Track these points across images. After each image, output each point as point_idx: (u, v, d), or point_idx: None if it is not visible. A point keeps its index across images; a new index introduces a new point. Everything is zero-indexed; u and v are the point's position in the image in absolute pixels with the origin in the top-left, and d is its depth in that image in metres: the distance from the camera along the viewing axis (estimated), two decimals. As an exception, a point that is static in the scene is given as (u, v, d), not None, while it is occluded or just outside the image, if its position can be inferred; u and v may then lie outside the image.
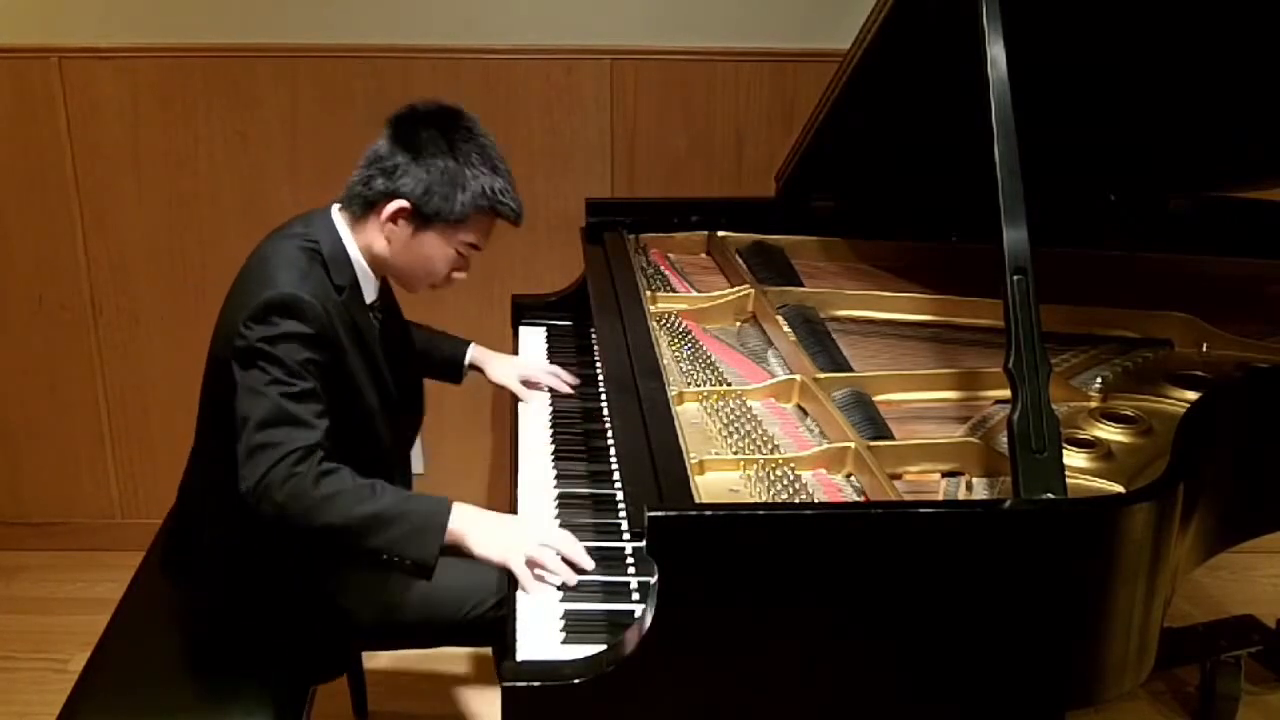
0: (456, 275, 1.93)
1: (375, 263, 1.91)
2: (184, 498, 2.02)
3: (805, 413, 1.88)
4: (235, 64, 2.83)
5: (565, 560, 1.66)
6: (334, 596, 1.93)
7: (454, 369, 2.31)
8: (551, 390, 2.26)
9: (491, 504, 2.15)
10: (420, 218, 1.84)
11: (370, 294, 1.92)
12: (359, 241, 1.89)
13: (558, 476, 1.94)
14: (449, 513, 1.72)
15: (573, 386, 2.26)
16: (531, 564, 1.65)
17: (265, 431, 1.71)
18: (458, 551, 1.72)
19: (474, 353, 2.31)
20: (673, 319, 2.18)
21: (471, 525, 1.72)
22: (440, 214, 1.83)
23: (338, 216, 1.90)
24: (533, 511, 1.85)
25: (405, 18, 2.83)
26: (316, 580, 1.93)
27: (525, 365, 2.32)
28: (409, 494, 1.79)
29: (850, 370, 2.01)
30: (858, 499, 1.65)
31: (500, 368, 2.30)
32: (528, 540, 1.68)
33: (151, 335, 3.05)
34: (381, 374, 1.93)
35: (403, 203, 1.82)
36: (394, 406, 1.97)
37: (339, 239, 1.87)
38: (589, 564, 1.66)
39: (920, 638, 1.43)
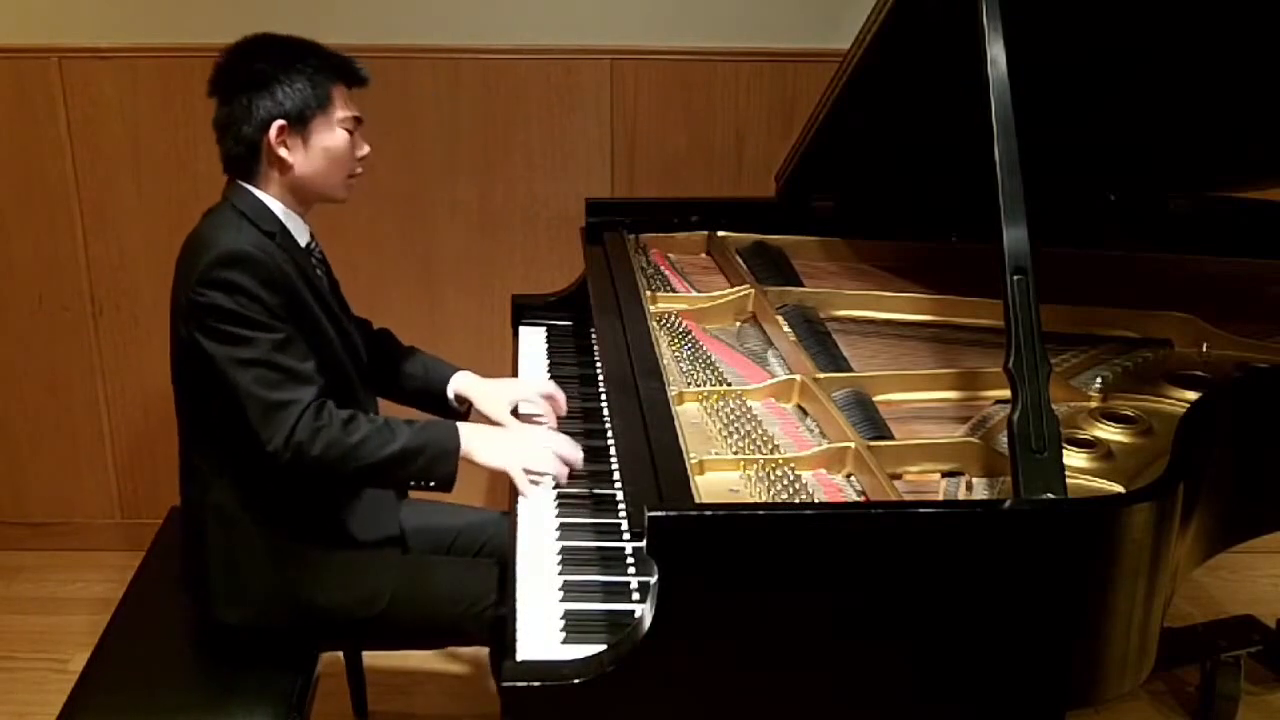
0: (361, 153, 1.97)
1: (296, 197, 1.94)
2: (184, 497, 2.02)
3: (805, 413, 1.88)
4: (235, 64, 2.83)
5: (564, 460, 1.88)
6: (334, 595, 1.93)
7: (439, 400, 2.19)
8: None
9: (492, 502, 2.14)
10: (299, 122, 1.88)
11: (302, 238, 1.96)
12: (269, 192, 1.92)
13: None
14: (459, 434, 1.90)
15: (570, 394, 2.17)
16: (529, 471, 1.87)
17: (271, 393, 1.79)
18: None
19: (459, 383, 2.18)
20: (673, 319, 2.18)
21: (476, 440, 1.91)
22: (310, 106, 1.88)
23: (240, 185, 1.92)
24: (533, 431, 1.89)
25: (405, 18, 2.83)
26: (316, 579, 1.93)
27: (518, 392, 2.15)
28: (419, 424, 1.90)
29: (850, 370, 2.01)
30: (858, 499, 1.65)
31: (491, 403, 2.13)
32: (525, 449, 1.89)
33: (151, 335, 3.05)
34: (331, 309, 1.98)
35: (278, 121, 1.86)
36: (348, 340, 2.01)
37: (253, 195, 1.91)
38: (579, 457, 1.89)
39: (920, 638, 1.43)
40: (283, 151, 1.88)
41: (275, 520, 1.91)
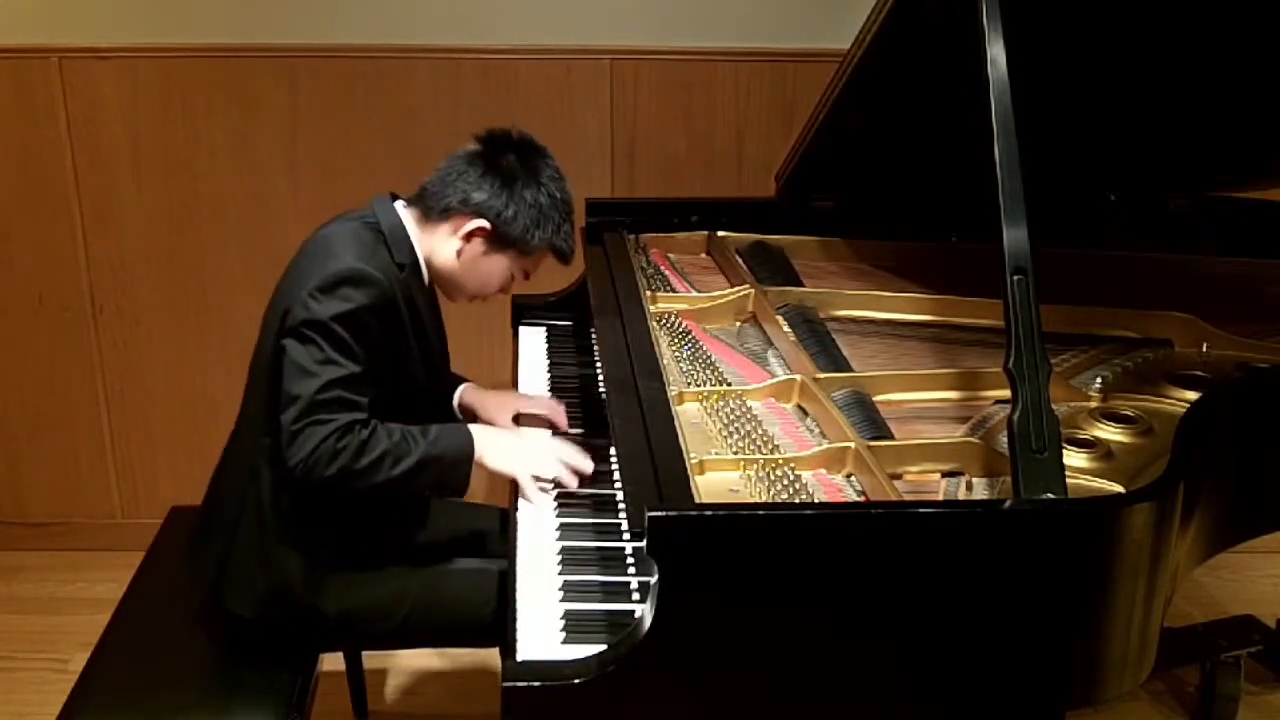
0: (500, 294, 2.02)
1: (432, 269, 1.95)
2: (222, 481, 2.02)
3: (805, 413, 1.88)
4: (235, 64, 2.84)
5: (572, 470, 1.88)
6: (352, 603, 1.93)
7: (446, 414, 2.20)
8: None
9: (491, 500, 2.15)
10: (497, 240, 1.90)
11: (427, 277, 1.97)
12: (421, 240, 1.93)
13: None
14: (472, 442, 1.90)
15: (570, 393, 2.21)
16: (538, 478, 1.88)
17: (314, 412, 1.78)
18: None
19: (465, 396, 2.20)
20: (673, 319, 2.18)
21: (487, 446, 1.90)
22: (516, 242, 1.91)
23: (400, 206, 1.94)
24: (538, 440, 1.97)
25: (405, 18, 2.83)
26: (336, 584, 1.93)
27: (521, 401, 2.18)
28: (433, 434, 1.88)
29: (850, 370, 2.01)
30: (858, 499, 1.65)
31: (494, 412, 2.16)
32: (534, 455, 1.90)
33: (151, 335, 3.05)
34: (431, 351, 2.00)
35: (485, 224, 1.89)
36: (436, 378, 2.05)
37: (400, 223, 1.92)
38: (589, 467, 1.88)
39: (920, 638, 1.43)
40: (460, 240, 1.90)
41: (312, 523, 1.91)
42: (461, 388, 2.21)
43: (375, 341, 1.82)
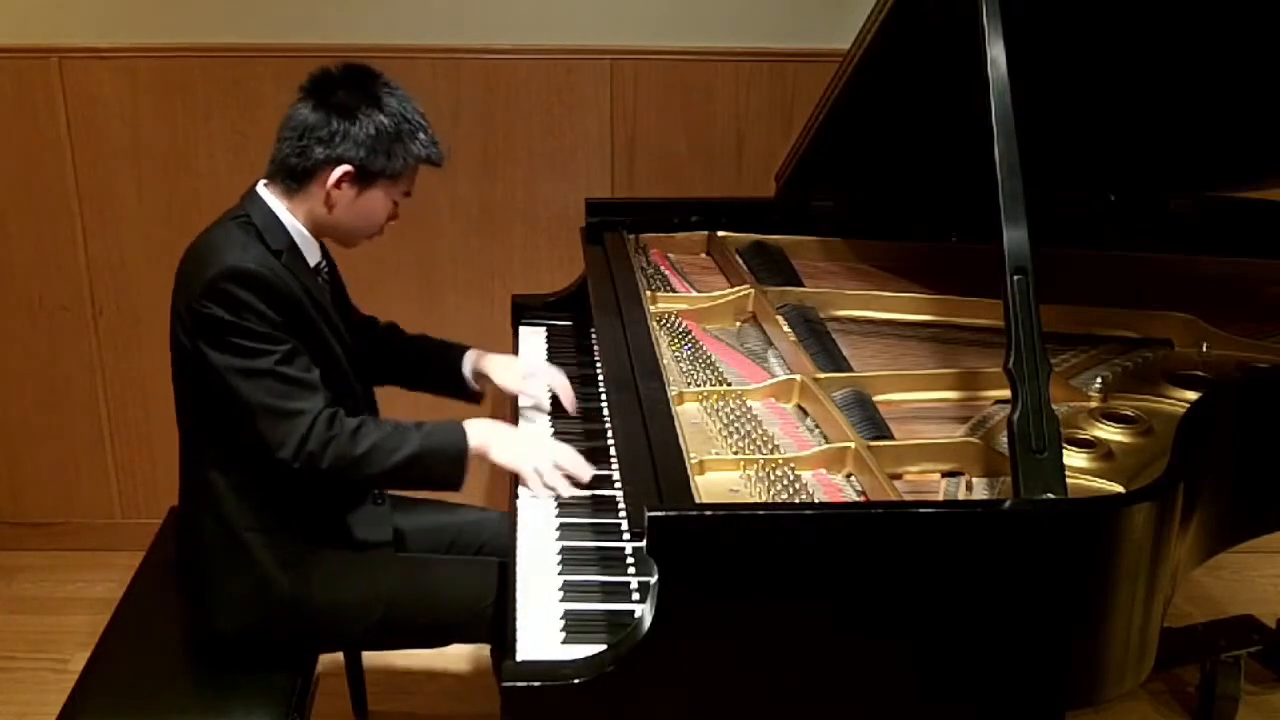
0: (390, 224, 1.98)
1: (315, 228, 1.93)
2: (182, 506, 2.02)
3: (805, 413, 1.88)
4: (235, 64, 2.83)
5: (568, 476, 1.87)
6: (333, 603, 1.93)
7: (457, 381, 2.23)
8: (553, 400, 2.20)
9: (492, 502, 2.14)
10: (364, 178, 1.88)
11: (312, 257, 1.95)
12: (295, 211, 1.90)
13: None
14: (466, 437, 1.89)
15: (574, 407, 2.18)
16: (539, 474, 1.87)
17: (281, 402, 1.79)
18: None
19: (473, 361, 2.23)
20: (673, 319, 2.18)
21: (490, 438, 1.90)
22: (384, 172, 1.88)
23: (265, 191, 1.91)
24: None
25: (405, 18, 2.83)
26: (315, 588, 1.93)
27: (528, 365, 2.26)
28: (428, 428, 1.88)
29: (850, 370, 2.01)
30: (858, 499, 1.65)
31: (504, 373, 2.21)
32: (539, 452, 1.90)
33: (151, 335, 3.05)
34: (338, 328, 1.97)
35: (347, 167, 1.85)
36: (354, 359, 2.01)
37: (270, 210, 1.90)
38: (586, 476, 1.87)
39: (920, 638, 1.43)
40: (333, 192, 1.87)
41: (273, 529, 1.91)
42: (466, 358, 2.22)
43: (284, 324, 1.81)
